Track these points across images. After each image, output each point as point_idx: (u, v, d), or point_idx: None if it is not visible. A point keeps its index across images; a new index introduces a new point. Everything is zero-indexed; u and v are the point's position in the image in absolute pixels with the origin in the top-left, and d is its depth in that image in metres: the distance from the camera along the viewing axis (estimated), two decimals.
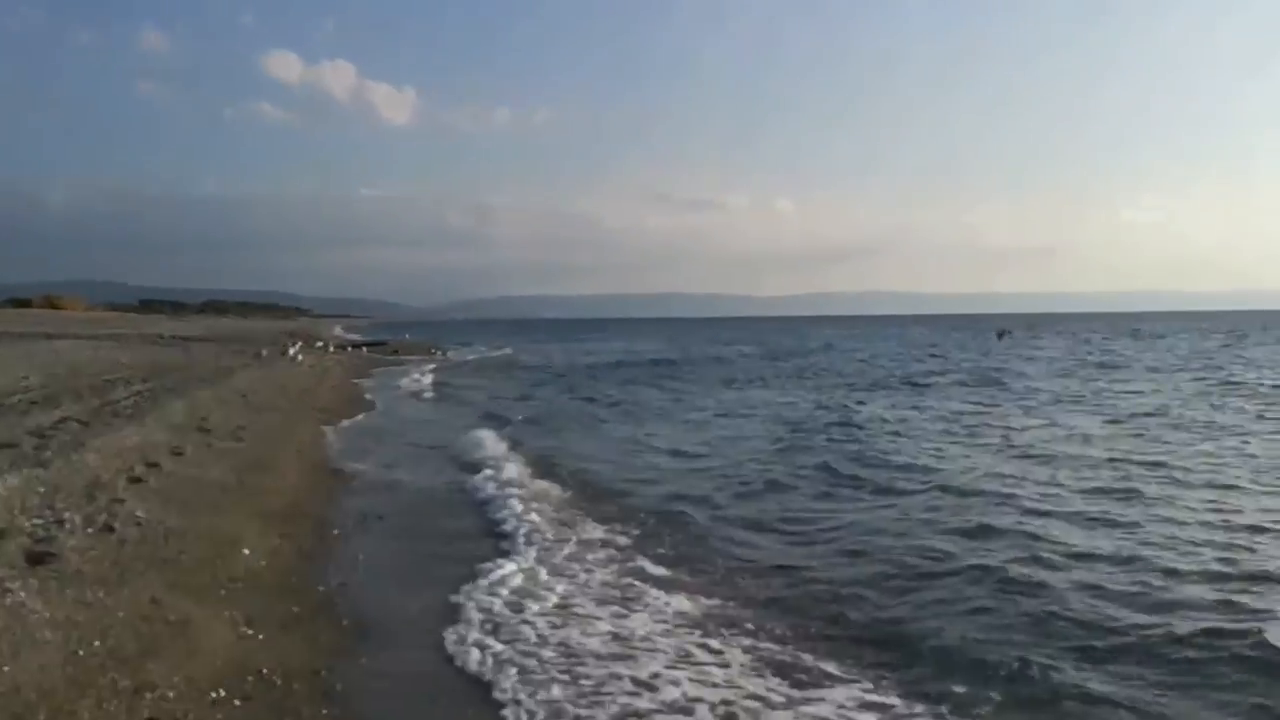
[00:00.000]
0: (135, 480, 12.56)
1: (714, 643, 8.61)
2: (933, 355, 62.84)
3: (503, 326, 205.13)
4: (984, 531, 12.27)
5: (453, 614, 9.35)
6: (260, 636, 8.28)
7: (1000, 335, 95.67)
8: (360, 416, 26.45)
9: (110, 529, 10.22)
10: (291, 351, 53.92)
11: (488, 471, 17.00)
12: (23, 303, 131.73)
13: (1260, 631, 8.42)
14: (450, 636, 8.76)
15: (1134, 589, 9.86)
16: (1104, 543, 11.65)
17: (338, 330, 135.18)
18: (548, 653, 8.36)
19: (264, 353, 49.90)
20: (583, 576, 10.67)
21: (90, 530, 10.10)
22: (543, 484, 16.16)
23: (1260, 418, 24.13)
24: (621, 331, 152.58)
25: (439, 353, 70.14)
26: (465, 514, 14.05)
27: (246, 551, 10.53)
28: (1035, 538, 11.84)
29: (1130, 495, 14.41)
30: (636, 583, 10.39)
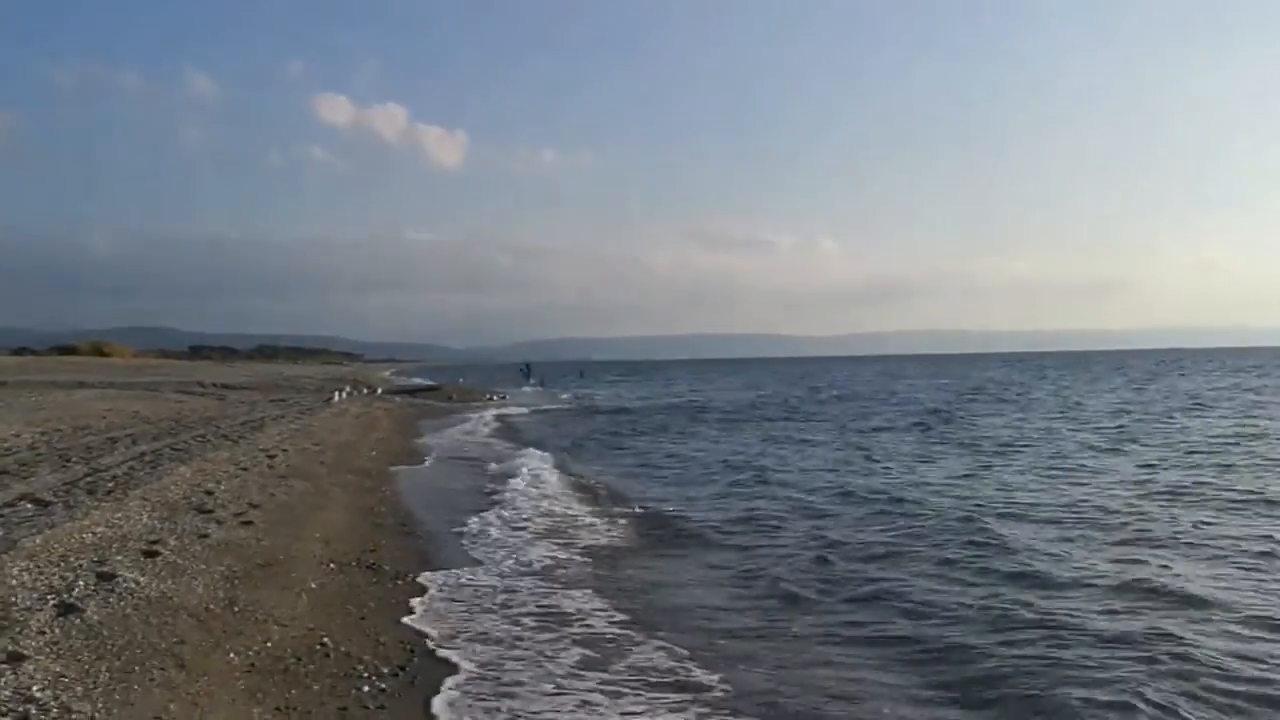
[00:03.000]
0: (66, 610, 8.28)
1: None
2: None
3: (552, 368, 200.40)
4: None
5: None
6: None
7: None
8: (412, 478, 22.24)
9: None
10: (337, 399, 50.14)
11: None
12: (68, 350, 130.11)
13: None
14: None
15: None
16: None
17: (387, 375, 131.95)
18: None
19: (305, 401, 46.10)
20: None
21: None
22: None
23: None
24: (657, 374, 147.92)
25: (495, 398, 66.09)
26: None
27: None
28: None
29: None
30: None
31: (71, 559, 10.00)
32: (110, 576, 9.47)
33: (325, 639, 8.99)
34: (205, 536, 12.02)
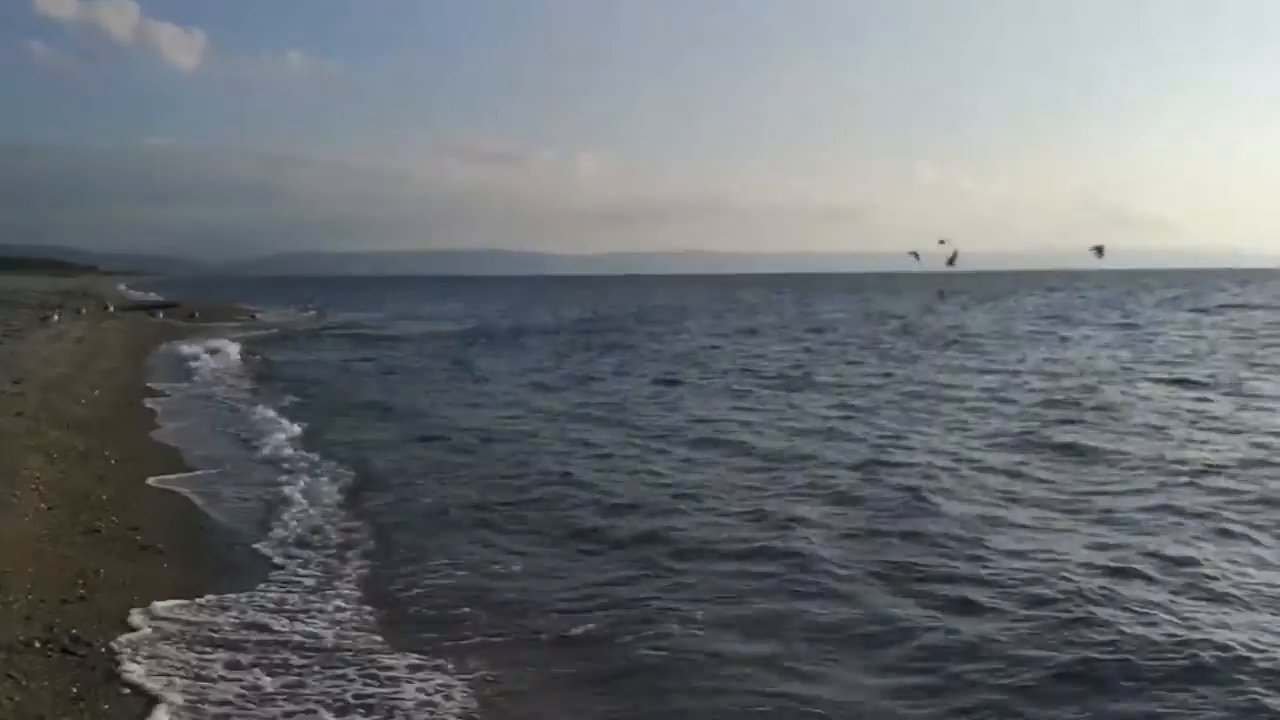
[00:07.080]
0: None
1: None
2: None
3: (308, 284, 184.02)
4: None
5: None
6: None
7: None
8: (153, 430, 16.60)
9: None
10: (55, 318, 41.74)
11: None
12: None
13: None
14: None
15: None
16: None
17: (122, 288, 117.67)
18: None
19: (14, 322, 37.70)
20: None
21: None
22: None
23: None
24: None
25: (248, 316, 58.32)
26: None
27: None
28: None
29: None
30: None
31: None
32: None
33: None
34: None
